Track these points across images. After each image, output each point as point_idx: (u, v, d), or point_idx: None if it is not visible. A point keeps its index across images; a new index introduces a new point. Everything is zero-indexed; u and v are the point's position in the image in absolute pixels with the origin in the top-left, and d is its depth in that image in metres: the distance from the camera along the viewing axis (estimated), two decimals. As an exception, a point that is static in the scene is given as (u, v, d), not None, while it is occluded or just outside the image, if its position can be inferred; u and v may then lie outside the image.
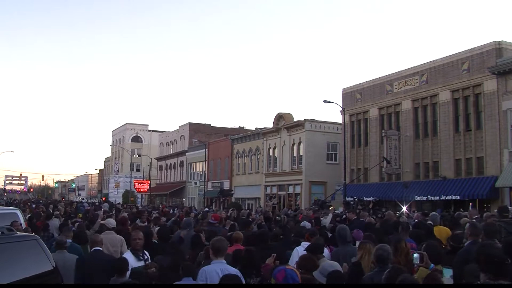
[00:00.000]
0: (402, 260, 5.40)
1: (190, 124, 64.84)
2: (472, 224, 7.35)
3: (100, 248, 7.11)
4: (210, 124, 66.32)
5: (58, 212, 16.51)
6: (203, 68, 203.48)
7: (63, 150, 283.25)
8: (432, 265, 5.13)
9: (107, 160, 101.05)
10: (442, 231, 8.92)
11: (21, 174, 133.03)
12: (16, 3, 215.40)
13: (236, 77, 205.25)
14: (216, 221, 12.14)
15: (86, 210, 23.94)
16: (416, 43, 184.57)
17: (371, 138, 35.09)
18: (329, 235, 9.04)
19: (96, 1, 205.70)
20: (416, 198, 28.78)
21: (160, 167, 71.94)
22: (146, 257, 6.77)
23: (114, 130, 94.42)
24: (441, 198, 27.61)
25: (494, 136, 26.24)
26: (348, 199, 29.00)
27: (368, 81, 36.01)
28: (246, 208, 32.79)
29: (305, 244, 7.34)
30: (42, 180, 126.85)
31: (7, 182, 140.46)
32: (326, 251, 6.93)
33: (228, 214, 16.88)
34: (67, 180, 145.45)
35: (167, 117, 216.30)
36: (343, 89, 38.32)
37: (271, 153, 44.06)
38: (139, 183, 66.86)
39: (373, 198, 29.77)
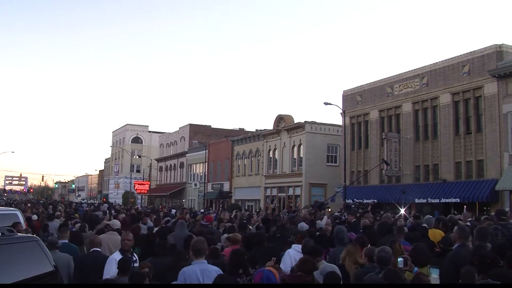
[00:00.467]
0: (395, 262, 5.50)
1: (190, 125, 64.88)
2: (460, 227, 7.47)
3: (99, 249, 7.17)
4: (210, 126, 66.36)
5: (59, 213, 16.59)
6: (203, 69, 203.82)
7: (63, 151, 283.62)
8: (416, 268, 5.23)
9: (107, 161, 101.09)
10: (436, 234, 9.04)
11: (21, 175, 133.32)
12: (17, 4, 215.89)
13: (237, 79, 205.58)
14: (208, 223, 12.37)
15: (85, 211, 24.00)
16: (416, 46, 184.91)
17: (372, 140, 35.11)
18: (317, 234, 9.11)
19: (96, 2, 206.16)
20: (416, 200, 28.81)
21: (160, 168, 71.97)
22: (134, 258, 6.77)
23: (114, 131, 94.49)
24: (441, 201, 27.63)
25: (494, 139, 26.25)
26: (348, 201, 28.97)
27: (369, 83, 36.05)
28: (246, 210, 32.80)
29: (295, 246, 7.36)
30: (42, 180, 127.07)
31: (7, 182, 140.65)
32: None
33: (232, 216, 17.13)
34: (67, 181, 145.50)
35: (167, 118, 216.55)
36: (343, 91, 38.36)
37: (271, 155, 44.08)
38: (139, 184, 66.85)
39: (371, 200, 29.73)
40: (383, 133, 32.82)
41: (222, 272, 5.41)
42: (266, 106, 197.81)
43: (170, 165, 67.90)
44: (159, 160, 72.37)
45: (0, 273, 5.00)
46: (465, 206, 24.55)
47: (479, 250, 5.29)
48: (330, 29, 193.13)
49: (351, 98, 37.35)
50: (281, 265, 6.87)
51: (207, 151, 52.46)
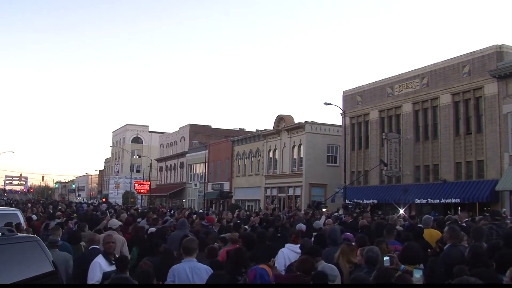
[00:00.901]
0: (381, 262, 5.59)
1: (191, 125, 64.88)
2: (451, 227, 7.59)
3: (97, 246, 7.27)
4: (210, 126, 66.36)
5: (59, 213, 16.69)
6: (203, 69, 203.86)
7: (63, 151, 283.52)
8: (402, 266, 5.35)
9: (107, 161, 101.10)
10: (433, 234, 9.12)
11: (21, 175, 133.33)
12: (18, 4, 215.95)
13: (237, 79, 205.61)
14: (209, 223, 12.63)
15: (85, 211, 24.09)
16: (417, 46, 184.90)
17: (372, 140, 35.12)
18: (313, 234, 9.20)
19: (97, 2, 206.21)
20: (416, 201, 28.83)
21: (160, 168, 71.97)
22: None
23: (114, 131, 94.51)
24: (441, 201, 27.63)
25: (494, 140, 26.25)
26: (347, 202, 28.97)
27: (369, 83, 36.05)
28: (246, 210, 32.81)
29: (289, 245, 7.47)
30: (42, 180, 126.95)
31: (7, 182, 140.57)
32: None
33: (235, 215, 17.56)
34: (67, 181, 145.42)
35: (167, 118, 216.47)
36: (344, 91, 38.37)
37: (271, 155, 44.09)
38: (139, 184, 66.83)
39: (371, 201, 29.78)
40: (383, 134, 32.83)
41: (212, 271, 5.52)
42: (266, 106, 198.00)
43: (170, 165, 67.90)
44: (159, 160, 72.38)
45: (0, 273, 5.01)
46: (459, 208, 24.68)
47: (473, 249, 5.39)
48: (330, 29, 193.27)
49: (351, 98, 37.35)
50: (275, 264, 6.90)
51: (207, 151, 52.47)
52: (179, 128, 67.84)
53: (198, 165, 57.88)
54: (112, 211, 23.32)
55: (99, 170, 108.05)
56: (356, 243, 6.87)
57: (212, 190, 52.69)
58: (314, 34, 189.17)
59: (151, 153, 75.04)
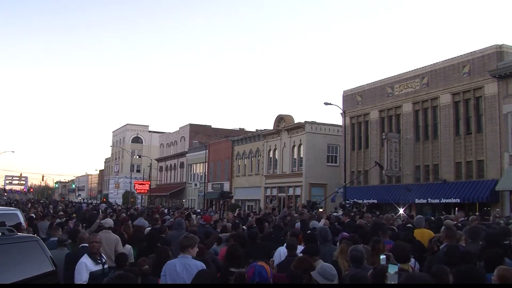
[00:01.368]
0: (378, 261, 5.64)
1: (191, 125, 64.86)
2: (447, 227, 7.78)
3: (87, 245, 7.29)
4: (210, 126, 66.33)
5: (62, 213, 16.82)
6: (204, 69, 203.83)
7: (63, 151, 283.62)
8: (398, 264, 5.38)
9: (107, 161, 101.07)
10: (424, 234, 9.25)
11: (21, 174, 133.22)
12: (18, 4, 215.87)
13: (237, 79, 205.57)
14: (206, 222, 12.89)
15: (84, 210, 24.15)
16: (417, 46, 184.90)
17: (372, 140, 35.10)
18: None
19: (97, 3, 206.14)
20: (416, 201, 28.81)
21: (160, 168, 71.95)
22: (103, 260, 6.82)
23: (114, 130, 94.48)
24: (441, 201, 27.61)
25: (494, 140, 26.24)
26: (348, 202, 28.98)
27: (369, 83, 36.04)
28: (246, 210, 32.82)
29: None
30: (42, 180, 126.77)
31: (7, 182, 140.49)
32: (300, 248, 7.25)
33: (235, 215, 17.77)
34: (67, 181, 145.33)
35: (167, 118, 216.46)
36: (344, 91, 38.35)
37: (271, 155, 44.08)
38: (139, 184, 66.83)
39: (366, 201, 29.87)
40: (383, 133, 32.81)
41: (204, 268, 5.64)
42: (266, 106, 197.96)
43: (170, 165, 67.89)
44: (159, 160, 72.36)
45: (0, 273, 5.01)
46: (456, 208, 24.68)
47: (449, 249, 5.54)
48: (330, 29, 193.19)
49: (351, 98, 37.34)
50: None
51: (207, 151, 52.46)
52: (179, 128, 67.82)
53: (198, 165, 57.87)
54: (111, 210, 23.40)
55: (99, 170, 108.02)
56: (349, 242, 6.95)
57: (212, 190, 52.66)
58: (314, 34, 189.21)
59: (151, 153, 75.03)
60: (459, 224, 11.20)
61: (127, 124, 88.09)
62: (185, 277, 5.63)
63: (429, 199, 28.42)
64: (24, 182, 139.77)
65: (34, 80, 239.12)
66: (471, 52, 28.22)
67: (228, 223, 12.12)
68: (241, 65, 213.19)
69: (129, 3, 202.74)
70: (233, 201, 47.69)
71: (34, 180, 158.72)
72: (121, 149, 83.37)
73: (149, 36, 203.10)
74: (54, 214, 16.85)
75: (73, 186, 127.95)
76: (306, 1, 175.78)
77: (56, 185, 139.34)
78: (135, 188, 67.19)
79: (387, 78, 34.35)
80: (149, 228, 11.05)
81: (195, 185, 55.68)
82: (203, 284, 4.82)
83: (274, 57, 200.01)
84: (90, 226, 11.54)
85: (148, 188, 67.22)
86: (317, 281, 5.22)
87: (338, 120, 39.35)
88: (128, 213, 20.93)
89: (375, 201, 31.79)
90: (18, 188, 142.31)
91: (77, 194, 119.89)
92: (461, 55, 28.90)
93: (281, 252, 7.43)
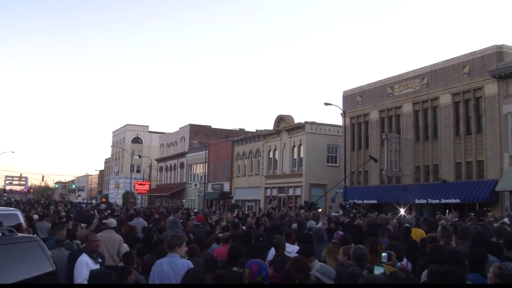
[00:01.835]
0: (377, 260, 5.72)
1: (191, 125, 64.88)
2: (443, 227, 7.97)
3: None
4: (210, 126, 66.36)
5: (64, 213, 16.92)
6: (204, 69, 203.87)
7: (63, 151, 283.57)
8: (399, 263, 5.52)
9: (107, 161, 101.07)
10: (417, 233, 9.51)
11: (21, 175, 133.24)
12: (18, 4, 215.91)
13: (237, 79, 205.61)
14: (200, 223, 12.91)
15: (82, 210, 24.19)
16: (417, 47, 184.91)
17: (372, 141, 35.10)
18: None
19: (98, 4, 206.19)
20: (416, 201, 28.80)
21: (160, 169, 71.95)
22: (100, 260, 6.85)
23: (114, 131, 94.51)
24: (441, 202, 27.61)
25: (494, 140, 26.24)
26: (348, 202, 28.98)
27: (369, 83, 36.04)
28: (246, 211, 32.81)
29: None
30: (42, 180, 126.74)
31: (7, 182, 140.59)
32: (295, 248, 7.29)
33: (235, 215, 17.81)
34: (67, 181, 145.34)
35: (167, 118, 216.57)
36: (344, 91, 38.36)
37: (271, 155, 44.09)
38: (139, 184, 66.80)
39: (364, 201, 29.89)
40: (383, 134, 32.82)
41: (192, 267, 5.70)
42: (266, 106, 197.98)
43: (170, 165, 67.89)
44: (159, 160, 72.36)
45: (0, 273, 5.01)
46: (447, 210, 24.67)
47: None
48: (330, 29, 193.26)
49: (351, 99, 37.34)
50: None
51: (207, 151, 52.46)
52: (179, 128, 67.84)
53: (198, 165, 57.88)
54: (109, 211, 23.43)
55: (99, 170, 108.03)
56: (339, 242, 7.01)
57: (212, 190, 52.66)
58: (314, 35, 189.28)
59: (151, 153, 75.03)
60: (452, 225, 11.30)
61: (127, 125, 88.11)
62: (171, 276, 5.69)
63: (429, 200, 28.41)
64: (24, 183, 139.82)
65: (34, 80, 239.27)
66: (471, 53, 28.23)
67: (229, 224, 12.11)
68: (241, 65, 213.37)
69: (129, 3, 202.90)
70: (233, 201, 47.68)
71: (34, 181, 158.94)
72: (121, 149, 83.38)
73: (149, 36, 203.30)
74: (55, 214, 16.90)
75: (73, 186, 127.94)
76: (306, 2, 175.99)
77: (56, 186, 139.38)
78: (135, 188, 67.17)
79: (387, 78, 34.36)
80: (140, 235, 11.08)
81: (195, 185, 55.67)
82: (191, 284, 4.85)
83: (274, 57, 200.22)
84: (89, 226, 11.57)
85: (148, 189, 67.21)
86: (323, 280, 5.24)
87: (338, 121, 39.42)
88: (128, 213, 20.92)
89: (375, 201, 31.79)
90: (18, 188, 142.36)
91: (77, 195, 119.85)
92: (461, 56, 28.91)
93: (272, 252, 7.44)
